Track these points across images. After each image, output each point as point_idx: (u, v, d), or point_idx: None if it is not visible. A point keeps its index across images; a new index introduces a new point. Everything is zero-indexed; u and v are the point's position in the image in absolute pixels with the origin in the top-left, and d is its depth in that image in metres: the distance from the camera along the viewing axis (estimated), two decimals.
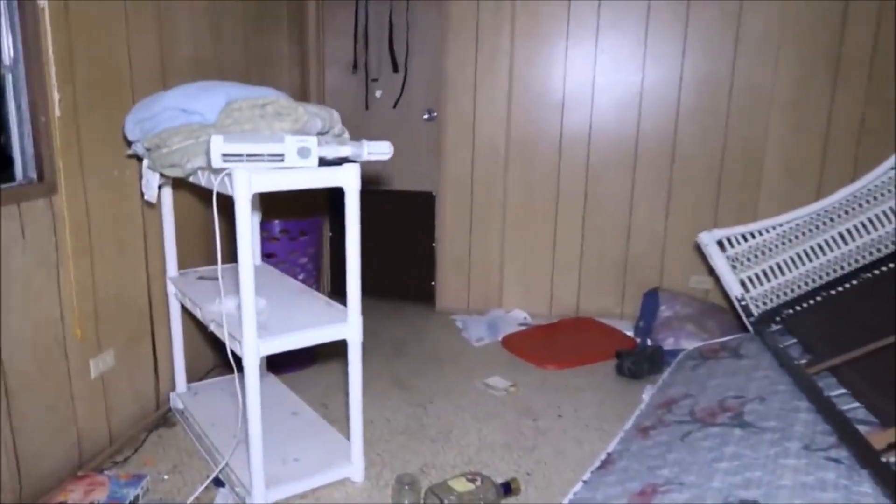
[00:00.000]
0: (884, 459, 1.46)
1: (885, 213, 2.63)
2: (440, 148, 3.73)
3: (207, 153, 1.78)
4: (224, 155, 1.75)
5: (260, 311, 2.07)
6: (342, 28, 3.80)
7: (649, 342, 3.27)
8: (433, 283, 3.95)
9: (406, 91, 3.77)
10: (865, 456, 1.52)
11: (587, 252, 3.70)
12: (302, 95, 3.74)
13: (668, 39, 3.38)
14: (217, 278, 2.43)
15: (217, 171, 1.85)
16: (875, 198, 2.64)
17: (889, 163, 2.59)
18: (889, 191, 2.62)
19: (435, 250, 3.90)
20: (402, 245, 3.99)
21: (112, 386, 2.26)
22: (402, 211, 3.94)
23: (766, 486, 1.52)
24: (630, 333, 3.48)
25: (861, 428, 1.68)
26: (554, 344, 3.37)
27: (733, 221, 3.42)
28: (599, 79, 3.49)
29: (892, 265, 2.56)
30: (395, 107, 3.81)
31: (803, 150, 3.36)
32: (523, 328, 3.61)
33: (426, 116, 3.78)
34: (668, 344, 3.18)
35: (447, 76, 3.63)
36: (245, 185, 1.74)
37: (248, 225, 1.76)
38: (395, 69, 3.76)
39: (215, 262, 2.39)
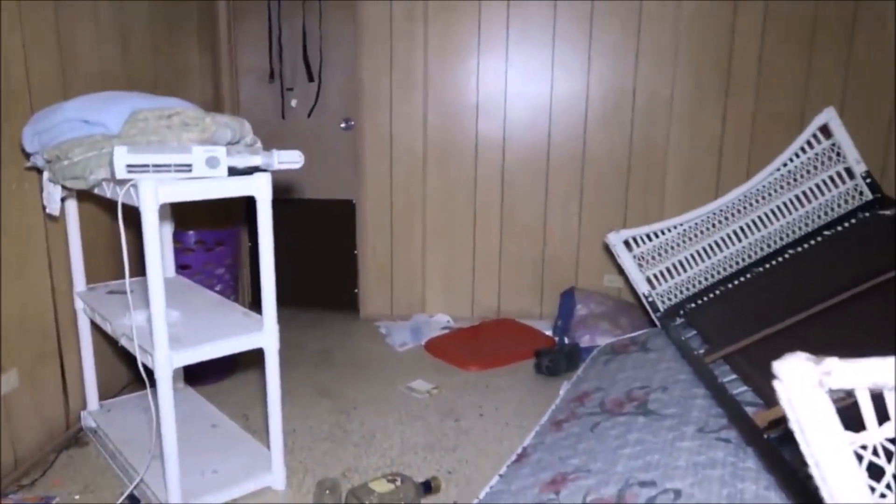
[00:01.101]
0: (765, 436, 1.59)
1: (772, 210, 2.83)
2: (358, 156, 3.76)
3: (111, 164, 1.75)
4: (129, 166, 1.73)
5: (172, 323, 2.04)
6: (256, 37, 3.78)
7: (567, 340, 3.39)
8: (356, 290, 3.96)
9: (321, 100, 3.78)
10: (750, 434, 1.65)
11: (506, 254, 3.80)
12: (215, 106, 3.69)
13: (574, 52, 3.53)
14: (127, 292, 2.38)
15: (122, 183, 1.83)
16: (763, 197, 2.84)
17: (774, 165, 2.79)
18: (775, 190, 2.82)
19: (357, 258, 3.92)
20: (324, 254, 3.99)
21: (16, 407, 2.17)
22: (322, 220, 3.94)
23: (664, 468, 1.62)
24: (549, 332, 3.60)
25: (749, 409, 1.81)
26: (476, 346, 3.44)
27: (641, 221, 3.59)
28: (511, 89, 3.61)
29: (779, 259, 2.75)
30: (309, 116, 3.81)
31: (701, 154, 3.57)
32: (446, 331, 3.67)
33: (343, 125, 3.80)
34: (585, 341, 3.30)
35: (363, 85, 3.67)
36: (151, 197, 1.73)
37: (155, 236, 1.74)
38: (311, 78, 3.76)
39: (126, 268, 2.34)
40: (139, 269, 2.60)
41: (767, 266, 2.77)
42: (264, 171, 1.98)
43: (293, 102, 3.81)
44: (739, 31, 3.43)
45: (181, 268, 2.85)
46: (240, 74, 3.84)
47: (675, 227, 2.92)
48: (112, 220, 2.70)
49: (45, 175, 2.10)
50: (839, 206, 2.76)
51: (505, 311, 3.87)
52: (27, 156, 2.12)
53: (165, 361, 1.80)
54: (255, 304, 3.96)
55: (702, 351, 2.38)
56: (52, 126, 1.97)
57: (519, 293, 3.85)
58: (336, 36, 3.72)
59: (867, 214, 2.69)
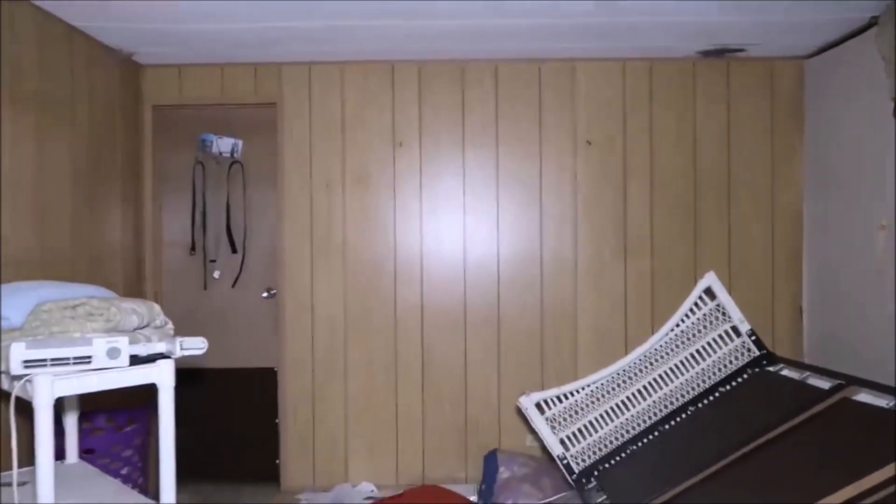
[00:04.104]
0: None
1: (671, 369, 2.99)
2: (280, 324, 3.82)
3: (6, 360, 1.77)
4: (25, 361, 1.75)
5: None
6: (179, 210, 3.92)
7: None
8: (277, 461, 3.85)
9: (245, 270, 3.89)
10: None
11: (428, 418, 3.81)
12: (138, 280, 3.74)
13: (483, 220, 3.81)
14: (24, 483, 2.28)
15: (18, 377, 1.83)
16: (662, 357, 3.01)
17: (668, 325, 2.99)
18: (672, 350, 3.00)
19: (278, 427, 3.85)
20: (244, 424, 3.91)
21: None
22: (243, 388, 3.90)
23: None
24: (474, 498, 3.54)
25: None
26: None
27: (557, 381, 3.70)
28: (426, 255, 3.81)
29: (681, 417, 2.87)
30: (234, 286, 3.89)
31: (606, 312, 3.79)
32: (369, 502, 3.57)
33: (265, 294, 3.89)
34: None
35: (284, 256, 3.81)
36: (46, 392, 1.74)
37: (48, 433, 1.73)
38: (234, 250, 3.89)
39: (22, 465, 2.25)
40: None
41: (671, 424, 2.88)
42: (168, 357, 2.02)
43: (216, 274, 3.90)
44: (630, 200, 3.79)
45: (86, 451, 2.76)
46: (163, 248, 3.93)
47: (584, 388, 3.03)
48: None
49: None
50: (731, 363, 2.95)
51: (430, 476, 3.81)
52: None
53: None
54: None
55: None
56: None
57: (443, 457, 3.82)
58: (260, 207, 3.91)
59: (756, 370, 2.88)
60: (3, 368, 1.88)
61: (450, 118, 3.83)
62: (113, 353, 1.86)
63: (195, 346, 2.02)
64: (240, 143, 3.90)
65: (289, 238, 3.82)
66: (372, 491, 3.73)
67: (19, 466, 2.58)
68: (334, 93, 3.82)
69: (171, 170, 3.92)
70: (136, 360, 1.95)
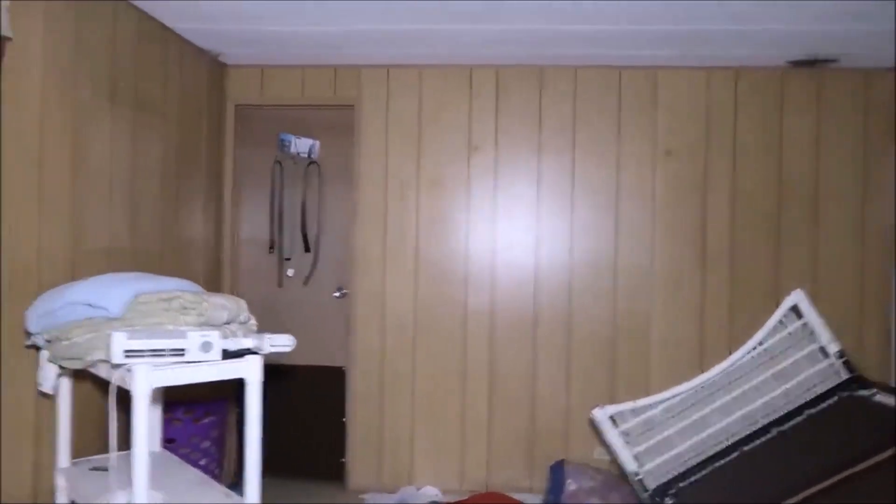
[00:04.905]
0: None
1: (754, 388, 2.88)
2: (350, 324, 3.86)
3: (109, 348, 1.83)
4: (126, 351, 1.81)
5: None
6: (258, 209, 4.01)
7: None
8: (344, 460, 3.89)
9: (317, 269, 3.95)
10: None
11: (494, 424, 3.79)
12: (217, 276, 3.84)
13: (557, 226, 3.76)
14: (112, 468, 2.36)
15: (118, 366, 1.89)
16: (742, 374, 2.90)
17: (750, 343, 2.88)
18: (753, 368, 2.89)
19: (346, 426, 3.89)
20: (312, 421, 3.96)
21: None
22: (312, 386, 3.95)
23: None
24: None
25: None
26: None
27: (628, 391, 3.62)
28: (498, 261, 3.79)
29: (764, 438, 2.76)
30: (305, 284, 3.95)
31: (682, 324, 3.68)
32: None
33: (337, 294, 3.93)
34: None
35: (356, 256, 3.85)
36: (145, 382, 1.79)
37: (145, 421, 1.78)
38: (307, 249, 3.95)
39: (111, 450, 2.33)
40: (125, 442, 2.59)
41: (754, 444, 2.77)
42: (255, 353, 2.05)
43: (290, 272, 3.97)
44: (710, 211, 3.68)
45: (167, 441, 2.84)
46: (241, 244, 4.02)
47: (661, 403, 2.95)
48: (103, 396, 2.72)
49: (43, 354, 2.17)
50: (817, 384, 2.82)
51: (494, 482, 3.78)
52: (28, 334, 2.20)
53: None
54: (241, 472, 3.86)
55: None
56: (57, 308, 2.06)
57: (509, 464, 3.78)
58: (334, 208, 3.96)
59: (846, 394, 2.74)
60: (101, 357, 1.95)
61: (526, 123, 3.80)
62: (206, 346, 1.91)
63: (283, 343, 2.05)
64: (317, 143, 3.96)
65: (362, 239, 3.86)
66: (436, 495, 3.72)
67: (105, 451, 2.68)
68: (411, 96, 3.84)
69: (250, 168, 4.01)
70: (224, 355, 1.99)
